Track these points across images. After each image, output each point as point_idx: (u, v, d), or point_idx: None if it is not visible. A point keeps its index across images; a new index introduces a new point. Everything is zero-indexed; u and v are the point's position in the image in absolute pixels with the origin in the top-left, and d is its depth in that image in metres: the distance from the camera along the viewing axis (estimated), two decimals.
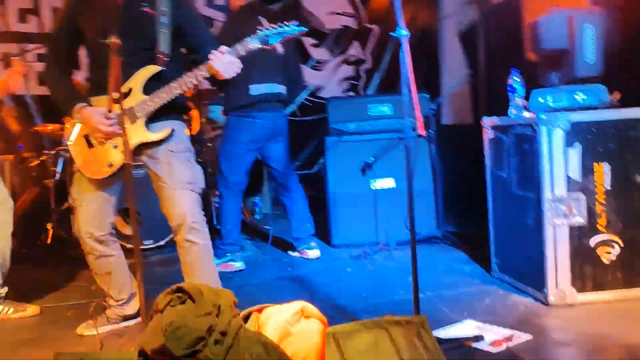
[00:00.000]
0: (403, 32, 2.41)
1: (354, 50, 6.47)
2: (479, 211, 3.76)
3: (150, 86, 2.61)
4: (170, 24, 2.62)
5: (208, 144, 5.32)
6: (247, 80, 4.00)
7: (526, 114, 3.01)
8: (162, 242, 4.59)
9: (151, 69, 2.61)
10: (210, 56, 2.52)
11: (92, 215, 2.73)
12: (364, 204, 4.45)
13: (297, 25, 2.60)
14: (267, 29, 2.55)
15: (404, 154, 4.22)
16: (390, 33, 2.46)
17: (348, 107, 4.61)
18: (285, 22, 2.57)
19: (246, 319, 2.17)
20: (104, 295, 2.98)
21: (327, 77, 6.48)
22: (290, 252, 4.42)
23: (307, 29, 2.89)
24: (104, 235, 2.77)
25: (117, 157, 2.61)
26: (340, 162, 4.48)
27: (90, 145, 2.66)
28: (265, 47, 2.58)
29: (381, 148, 4.42)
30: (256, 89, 4.07)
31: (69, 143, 2.74)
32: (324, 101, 6.29)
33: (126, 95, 2.56)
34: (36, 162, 5.13)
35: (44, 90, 5.63)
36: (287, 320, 2.08)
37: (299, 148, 6.46)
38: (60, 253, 4.64)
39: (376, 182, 4.46)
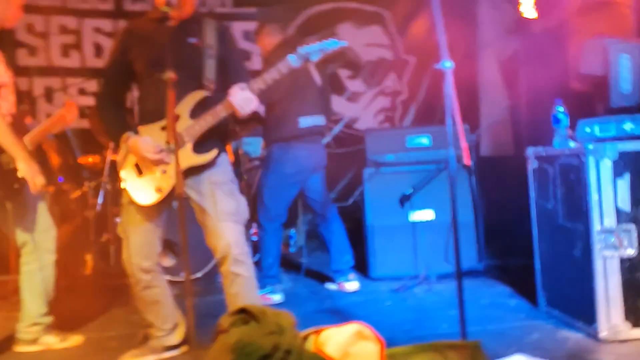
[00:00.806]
0: (447, 64, 2.45)
1: (390, 81, 6.54)
2: (521, 243, 3.75)
3: (197, 113, 2.71)
4: (216, 56, 2.76)
5: (244, 177, 5.40)
6: (296, 112, 4.11)
7: (572, 144, 3.02)
8: (198, 275, 4.64)
9: (198, 94, 2.73)
10: (230, 91, 2.64)
11: (140, 246, 2.81)
12: (402, 236, 4.46)
13: (337, 40, 2.67)
14: (307, 46, 2.62)
15: (443, 185, 4.35)
16: (435, 66, 2.51)
17: (386, 139, 4.66)
18: (325, 39, 2.65)
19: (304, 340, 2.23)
20: (144, 326, 3.04)
21: (362, 108, 6.55)
22: (327, 285, 4.44)
23: (346, 43, 2.98)
24: (151, 265, 2.85)
25: (165, 183, 2.70)
26: (378, 194, 4.51)
27: (140, 172, 2.76)
28: (306, 63, 2.67)
29: (420, 179, 4.44)
30: (305, 122, 4.15)
31: (121, 172, 2.84)
32: (359, 133, 6.42)
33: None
34: (76, 194, 5.28)
35: (84, 124, 5.84)
36: (347, 341, 2.14)
37: (334, 180, 6.50)
38: (100, 284, 4.74)
39: (415, 214, 4.47)
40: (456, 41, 6.07)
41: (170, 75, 2.34)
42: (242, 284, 2.77)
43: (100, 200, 5.04)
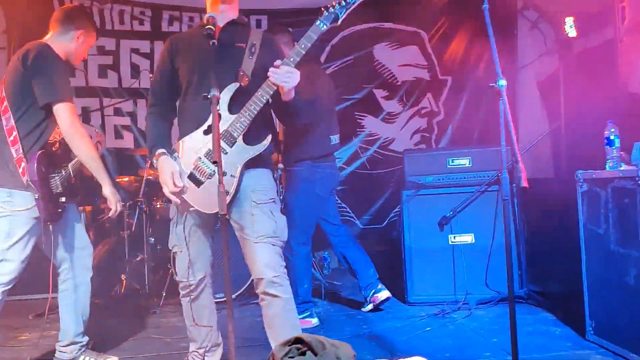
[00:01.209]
0: (502, 82, 2.41)
1: (427, 102, 6.50)
2: (565, 269, 3.65)
3: (235, 107, 2.68)
4: (257, 58, 2.74)
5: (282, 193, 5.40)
6: (328, 130, 4.10)
7: (625, 167, 2.93)
8: (232, 296, 4.61)
9: (231, 87, 2.69)
10: (269, 73, 2.60)
11: (194, 257, 2.81)
12: (441, 260, 4.38)
13: None
14: (332, 7, 2.64)
15: (483, 208, 4.28)
16: (490, 84, 2.46)
17: (425, 160, 4.62)
18: None
19: None
20: (181, 348, 3.02)
21: (398, 129, 6.51)
22: (363, 309, 4.37)
23: None
24: (204, 277, 2.86)
25: (228, 183, 2.65)
26: (417, 216, 4.45)
27: (198, 183, 2.70)
28: (335, 24, 2.68)
29: (460, 202, 4.37)
30: (335, 139, 4.16)
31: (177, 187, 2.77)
32: (395, 154, 6.39)
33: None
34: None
35: (120, 143, 5.93)
36: None
37: (368, 201, 6.47)
38: (134, 304, 4.76)
39: (455, 237, 4.39)
40: (494, 61, 6.07)
41: (215, 95, 2.34)
42: (279, 306, 2.75)
43: (135, 220, 5.06)
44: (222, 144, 2.64)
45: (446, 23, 6.40)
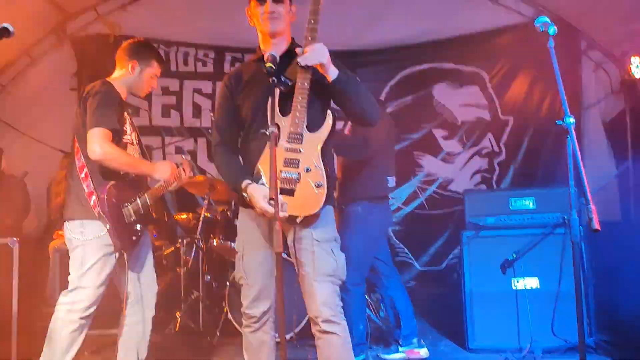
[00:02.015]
0: (570, 120, 2.33)
1: (487, 142, 6.38)
2: (636, 317, 3.44)
3: (286, 108, 2.65)
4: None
5: None
6: (385, 171, 4.07)
7: None
8: (291, 334, 4.54)
9: (274, 93, 2.62)
10: (298, 59, 2.59)
11: (259, 290, 2.79)
12: (504, 305, 4.21)
13: None
14: None
15: (549, 251, 4.11)
16: (557, 122, 2.38)
17: (487, 200, 4.51)
18: None
19: None
20: None
21: (457, 169, 6.41)
22: (387, 356, 4.25)
23: None
24: (265, 312, 2.81)
25: (317, 174, 2.62)
26: (478, 259, 4.32)
27: (290, 193, 2.64)
28: None
29: (524, 244, 4.21)
30: (392, 181, 4.12)
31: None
32: (454, 194, 6.27)
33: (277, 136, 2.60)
34: (170, 250, 5.41)
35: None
36: None
37: (426, 243, 6.34)
38: (188, 342, 4.74)
39: (518, 282, 4.22)
40: (559, 101, 5.93)
41: (274, 131, 2.36)
42: (336, 345, 2.71)
43: (192, 257, 5.10)
44: (293, 145, 2.62)
45: (507, 63, 6.31)
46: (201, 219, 5.07)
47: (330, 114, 2.72)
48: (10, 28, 2.48)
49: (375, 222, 4.04)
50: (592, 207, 2.31)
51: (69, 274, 3.14)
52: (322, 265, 2.70)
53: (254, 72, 2.81)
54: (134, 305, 3.28)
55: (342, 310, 2.75)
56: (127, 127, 3.25)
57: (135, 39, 3.42)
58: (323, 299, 2.68)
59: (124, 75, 3.27)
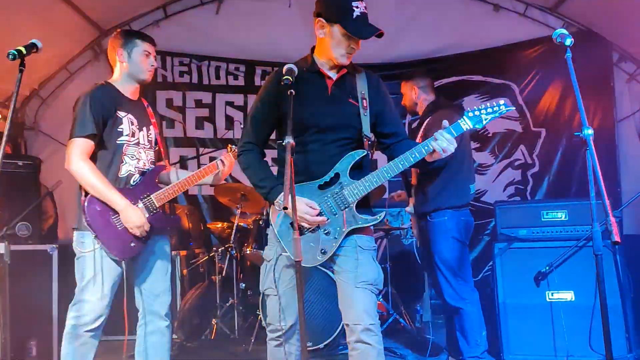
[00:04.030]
0: (588, 132, 2.35)
1: (520, 154, 6.38)
2: None
3: (355, 172, 2.67)
4: (370, 111, 2.75)
5: None
6: (468, 178, 4.10)
7: None
8: (320, 346, 4.59)
9: (358, 153, 2.68)
10: (435, 135, 2.61)
11: (287, 303, 2.75)
12: (539, 318, 4.18)
13: (506, 105, 2.71)
14: (480, 108, 2.69)
15: (584, 264, 4.09)
16: (575, 133, 2.41)
17: (519, 212, 4.48)
18: (495, 102, 2.68)
19: None
20: None
21: (490, 181, 6.41)
22: None
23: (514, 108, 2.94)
24: (293, 325, 2.78)
25: (329, 245, 2.64)
26: (510, 271, 4.31)
27: (300, 232, 2.54)
28: (477, 129, 2.71)
29: (557, 256, 4.20)
30: (473, 188, 4.14)
31: (275, 229, 2.76)
32: (486, 206, 6.26)
33: (333, 181, 2.66)
34: (205, 258, 5.51)
35: (213, 191, 6.15)
36: None
37: None
38: (224, 350, 4.82)
39: (552, 294, 4.21)
40: (592, 113, 5.93)
41: (291, 142, 2.35)
42: (373, 356, 2.63)
43: (226, 265, 5.21)
44: (333, 202, 2.65)
45: (538, 74, 6.29)
46: (235, 227, 5.18)
47: (383, 215, 2.75)
48: (39, 44, 2.70)
49: (463, 231, 4.02)
50: (612, 219, 2.29)
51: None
52: (366, 272, 2.65)
53: (307, 84, 2.75)
54: (146, 316, 3.21)
55: (379, 321, 2.71)
56: (125, 127, 3.13)
57: (113, 33, 3.35)
58: (364, 307, 2.62)
59: (120, 70, 3.22)
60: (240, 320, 5.05)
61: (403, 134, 2.89)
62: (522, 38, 6.27)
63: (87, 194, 3.00)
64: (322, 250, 2.65)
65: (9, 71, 5.57)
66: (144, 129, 3.25)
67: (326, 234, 2.66)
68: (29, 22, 5.05)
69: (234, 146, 3.39)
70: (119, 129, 3.11)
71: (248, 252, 5.06)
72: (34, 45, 2.68)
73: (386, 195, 6.11)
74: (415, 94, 4.27)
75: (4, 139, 2.56)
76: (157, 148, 3.36)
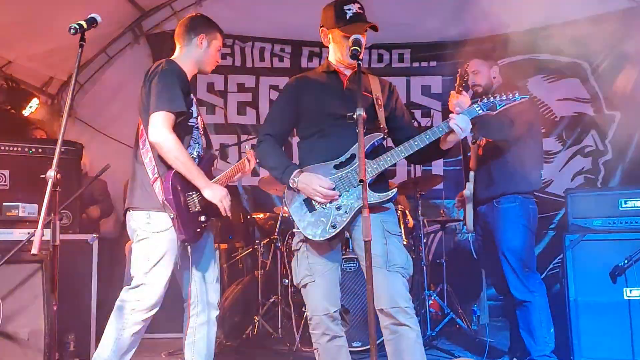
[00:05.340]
0: None
1: (591, 139, 6.14)
2: None
3: (371, 154, 2.90)
4: (384, 107, 3.03)
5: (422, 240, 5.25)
6: (538, 163, 4.06)
7: None
8: (364, 347, 4.50)
9: (375, 136, 2.92)
10: (451, 115, 2.85)
11: (327, 289, 2.87)
12: (614, 317, 3.98)
13: (522, 94, 2.90)
14: (493, 97, 2.90)
15: None
16: None
17: (593, 201, 4.28)
18: (510, 92, 2.90)
19: None
20: None
21: (556, 169, 6.20)
22: None
23: (529, 96, 3.11)
24: (337, 311, 2.87)
25: (340, 219, 2.82)
26: (583, 265, 4.12)
27: (311, 209, 2.88)
28: (491, 112, 2.92)
29: (636, 250, 3.99)
30: (542, 174, 4.12)
31: (289, 208, 2.98)
32: (553, 197, 6.04)
33: (348, 161, 2.89)
34: (248, 251, 5.47)
35: (255, 181, 6.12)
36: None
37: None
38: (265, 347, 4.80)
39: (631, 291, 4.01)
40: None
41: (361, 113, 2.49)
42: (411, 339, 2.74)
43: (270, 259, 5.15)
44: (346, 180, 2.86)
45: (613, 53, 6.03)
46: (279, 218, 5.10)
47: (395, 190, 2.92)
48: (98, 18, 2.75)
49: (531, 219, 4.00)
50: None
51: None
52: (396, 256, 2.82)
53: (322, 78, 3.10)
54: (198, 305, 3.22)
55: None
56: (194, 110, 3.21)
57: (194, 13, 3.40)
58: (397, 289, 2.76)
59: (192, 52, 3.25)
60: (284, 318, 4.99)
61: (411, 130, 3.12)
62: (597, 12, 6.00)
63: (161, 171, 3.03)
64: (332, 224, 2.82)
65: (48, 56, 5.78)
66: (199, 113, 3.31)
67: (337, 209, 2.84)
68: (71, 2, 5.07)
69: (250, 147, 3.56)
70: (190, 110, 3.17)
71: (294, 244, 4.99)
72: (93, 20, 2.74)
73: (440, 186, 6.01)
74: (494, 73, 4.22)
75: (63, 123, 2.61)
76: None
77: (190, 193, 3.08)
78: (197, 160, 3.17)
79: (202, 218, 3.13)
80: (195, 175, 3.04)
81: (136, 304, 3.02)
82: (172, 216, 2.98)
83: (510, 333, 4.27)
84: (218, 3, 6.40)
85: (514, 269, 3.92)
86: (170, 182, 2.98)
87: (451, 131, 2.85)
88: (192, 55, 3.26)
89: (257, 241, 5.29)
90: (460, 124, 2.80)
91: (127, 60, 6.46)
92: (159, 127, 2.96)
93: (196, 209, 3.09)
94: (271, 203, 6.12)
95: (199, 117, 3.29)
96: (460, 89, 3.69)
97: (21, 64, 5.73)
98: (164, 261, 3.04)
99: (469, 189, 4.20)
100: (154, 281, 3.03)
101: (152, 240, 3.04)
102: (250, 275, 5.39)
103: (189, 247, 3.11)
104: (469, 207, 4.23)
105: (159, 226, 3.03)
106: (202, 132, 3.29)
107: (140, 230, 3.07)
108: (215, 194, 3.07)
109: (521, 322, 4.00)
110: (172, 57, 3.24)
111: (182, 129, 3.10)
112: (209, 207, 3.12)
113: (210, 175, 3.24)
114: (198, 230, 3.11)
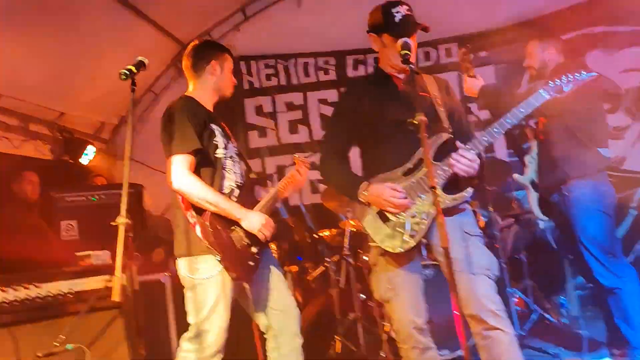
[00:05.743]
0: None
1: None
2: None
3: (439, 156, 2.84)
4: (443, 106, 2.97)
5: (497, 238, 5.10)
6: (603, 141, 3.97)
7: None
8: (460, 353, 4.40)
9: (442, 137, 2.88)
10: (453, 155, 2.80)
11: (411, 301, 2.84)
12: None
13: (588, 72, 2.91)
14: (559, 80, 2.86)
15: None
16: None
17: None
18: (576, 71, 2.88)
19: None
20: None
21: (629, 145, 5.96)
22: None
23: (596, 74, 3.13)
24: (424, 323, 2.84)
25: (417, 227, 2.78)
26: None
27: (386, 220, 2.85)
28: (558, 95, 2.87)
29: None
30: (607, 152, 3.94)
31: (362, 222, 2.94)
32: (629, 174, 5.80)
33: (417, 166, 2.85)
34: (318, 271, 5.42)
35: (316, 199, 6.10)
36: None
37: None
38: None
39: None
40: None
41: (422, 119, 2.46)
42: (506, 342, 2.68)
43: (343, 276, 5.09)
44: (417, 186, 2.82)
45: None
46: (347, 233, 5.05)
47: (470, 191, 2.86)
48: (145, 61, 2.82)
49: (606, 201, 3.87)
50: None
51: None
52: (480, 258, 2.76)
53: (374, 85, 3.08)
54: (276, 338, 3.15)
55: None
56: (219, 140, 3.13)
57: (195, 42, 3.38)
58: (485, 292, 2.71)
59: (208, 81, 3.22)
60: (365, 335, 4.92)
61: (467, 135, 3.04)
62: None
63: (199, 213, 2.97)
64: (410, 234, 2.77)
65: (97, 102, 5.93)
66: (230, 140, 3.26)
67: (412, 217, 2.79)
68: (113, 45, 5.22)
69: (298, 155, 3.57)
70: (214, 142, 3.10)
71: (365, 258, 4.93)
72: (142, 63, 2.80)
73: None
74: (548, 53, 4.13)
75: (126, 169, 2.75)
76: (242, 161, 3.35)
77: (233, 227, 3.03)
78: (237, 190, 3.13)
79: (254, 249, 3.07)
80: (227, 209, 2.99)
81: (199, 353, 2.98)
82: (218, 258, 2.92)
83: (606, 322, 4.07)
84: (256, 25, 6.48)
85: (596, 257, 3.78)
86: (208, 222, 2.94)
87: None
88: (208, 84, 3.23)
89: (327, 259, 5.24)
90: (461, 167, 2.76)
91: (174, 96, 6.51)
92: (175, 173, 2.93)
93: (244, 242, 3.04)
94: (336, 218, 6.08)
95: (231, 144, 3.24)
96: (472, 73, 3.65)
97: (72, 114, 5.91)
98: (219, 306, 2.98)
99: (527, 173, 4.14)
100: (213, 328, 2.98)
101: (202, 287, 2.98)
102: (324, 294, 5.34)
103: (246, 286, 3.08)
104: (533, 195, 4.14)
105: (207, 271, 2.97)
106: (236, 159, 3.23)
107: (187, 278, 3.02)
108: (251, 223, 3.02)
109: (613, 311, 3.83)
110: (188, 92, 3.23)
111: (207, 163, 3.06)
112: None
113: (254, 201, 3.21)
114: (252, 264, 3.05)
